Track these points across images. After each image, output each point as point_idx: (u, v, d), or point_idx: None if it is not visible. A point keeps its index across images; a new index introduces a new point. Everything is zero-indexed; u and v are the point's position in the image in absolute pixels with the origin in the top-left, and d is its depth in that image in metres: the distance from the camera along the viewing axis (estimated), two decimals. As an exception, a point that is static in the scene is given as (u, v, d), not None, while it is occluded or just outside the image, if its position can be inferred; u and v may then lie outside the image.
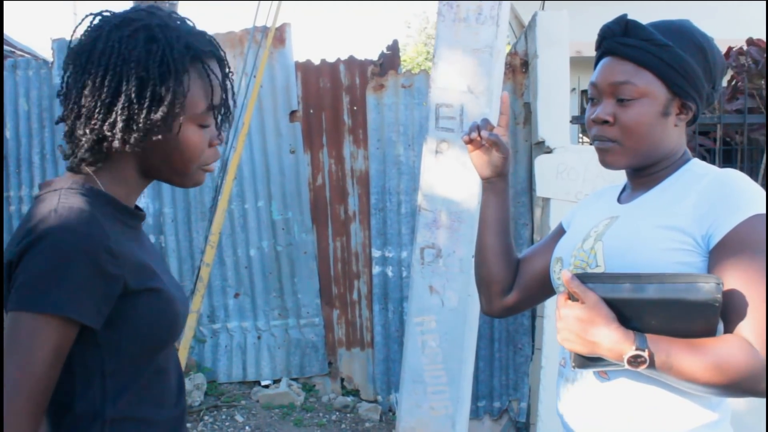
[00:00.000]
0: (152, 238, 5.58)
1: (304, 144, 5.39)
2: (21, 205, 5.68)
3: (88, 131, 1.31)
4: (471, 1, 4.09)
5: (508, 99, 1.90)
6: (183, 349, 4.77)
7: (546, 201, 4.82)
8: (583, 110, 9.54)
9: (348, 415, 5.19)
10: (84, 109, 1.30)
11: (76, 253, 1.18)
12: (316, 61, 5.41)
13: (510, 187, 1.92)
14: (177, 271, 5.51)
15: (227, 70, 1.43)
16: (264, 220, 5.43)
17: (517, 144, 5.15)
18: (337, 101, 5.36)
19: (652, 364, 1.38)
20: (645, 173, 1.65)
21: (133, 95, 1.28)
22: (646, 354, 1.37)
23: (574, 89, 5.47)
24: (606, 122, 1.60)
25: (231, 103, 1.46)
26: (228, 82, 1.42)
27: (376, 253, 5.32)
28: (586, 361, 1.48)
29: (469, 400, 4.30)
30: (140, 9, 1.36)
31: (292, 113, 5.37)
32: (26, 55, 7.54)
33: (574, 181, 4.78)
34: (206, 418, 5.05)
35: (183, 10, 6.62)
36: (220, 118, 1.44)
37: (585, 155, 4.73)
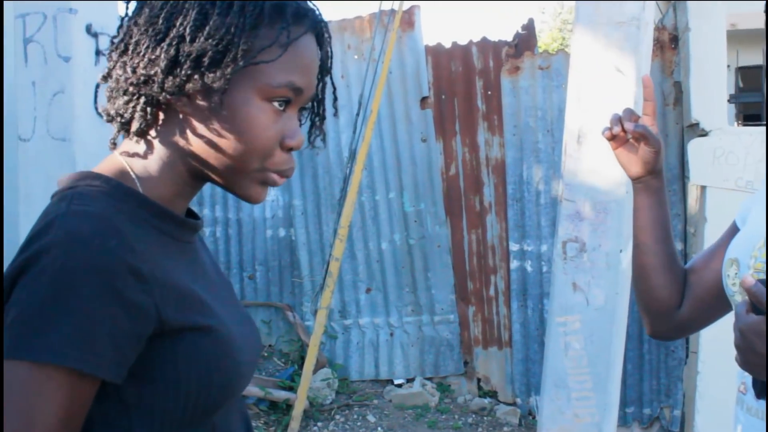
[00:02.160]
0: (282, 231, 5.49)
1: (436, 132, 5.14)
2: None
3: (129, 69, 0.98)
4: (616, -30, 3.71)
5: (652, 82, 1.56)
6: (313, 346, 4.63)
7: (701, 189, 4.39)
8: (740, 89, 8.84)
9: (485, 417, 4.92)
10: (130, 45, 0.98)
11: (84, 275, 0.84)
12: (447, 44, 5.14)
13: (666, 185, 1.59)
14: (307, 265, 5.40)
15: (329, 63, 1.08)
16: (395, 212, 5.23)
17: (667, 127, 4.72)
18: (470, 86, 5.08)
19: None
20: None
21: (187, 29, 0.95)
22: None
23: (729, 66, 4.97)
24: None
25: (323, 106, 1.11)
26: (327, 78, 1.09)
27: (513, 247, 5.01)
28: None
29: (617, 407, 3.95)
30: None
31: (423, 99, 5.14)
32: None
33: (733, 167, 4.32)
34: (337, 417, 4.89)
35: None
36: (308, 116, 1.10)
37: (746, 138, 4.28)
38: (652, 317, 1.60)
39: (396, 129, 5.19)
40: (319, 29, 1.04)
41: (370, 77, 4.68)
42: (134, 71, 0.96)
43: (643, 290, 1.60)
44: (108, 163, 1.01)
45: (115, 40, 1.01)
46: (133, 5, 1.02)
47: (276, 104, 0.98)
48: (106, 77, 1.02)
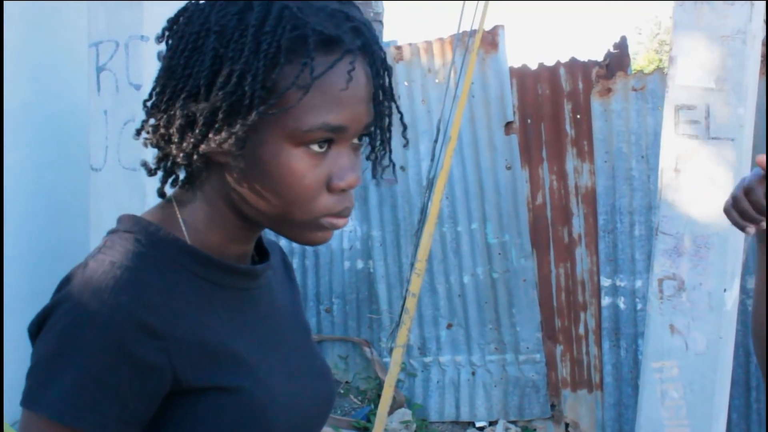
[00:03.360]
0: (360, 263, 5.29)
1: (522, 158, 4.84)
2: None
3: (151, 127, 0.92)
4: (718, -21, 3.38)
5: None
6: (388, 387, 4.37)
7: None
8: None
9: (574, 466, 4.55)
10: (155, 97, 0.91)
11: (90, 331, 0.82)
12: (533, 66, 4.85)
13: None
14: (386, 300, 5.16)
15: (386, 82, 0.94)
16: (478, 244, 4.94)
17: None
18: (557, 109, 4.77)
19: None
20: None
21: (201, 79, 0.85)
22: None
23: None
24: None
25: (386, 136, 0.97)
26: (386, 98, 0.94)
27: (605, 282, 4.65)
28: None
29: (720, 462, 3.55)
30: None
31: (508, 124, 4.85)
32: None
33: None
34: (414, 461, 4.61)
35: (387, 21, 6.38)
36: (363, 146, 0.96)
37: None
38: None
39: (479, 156, 4.91)
40: (364, 49, 0.89)
41: (450, 101, 4.43)
42: (155, 130, 0.91)
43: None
44: (158, 208, 0.97)
45: (151, 88, 0.94)
46: (166, 47, 0.93)
47: (315, 147, 0.88)
48: (139, 131, 0.95)
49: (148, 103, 0.93)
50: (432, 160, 4.38)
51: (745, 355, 4.34)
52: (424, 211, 4.45)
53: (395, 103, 0.97)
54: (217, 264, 0.95)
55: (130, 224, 0.93)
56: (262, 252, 1.08)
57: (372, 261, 5.25)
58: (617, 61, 4.66)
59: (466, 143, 4.91)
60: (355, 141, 0.93)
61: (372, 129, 0.95)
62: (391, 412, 4.81)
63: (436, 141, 4.28)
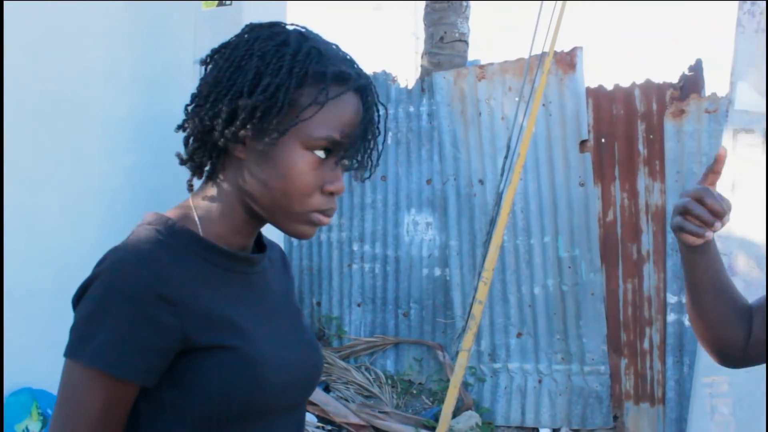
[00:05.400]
0: (437, 271, 5.53)
1: (595, 176, 4.99)
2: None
3: (197, 120, 1.15)
4: (778, 9, 3.48)
5: (725, 157, 1.43)
6: (453, 388, 4.59)
7: None
8: None
9: (633, 477, 4.66)
10: (201, 99, 1.16)
11: (118, 298, 1.04)
12: (609, 86, 4.99)
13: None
14: (460, 306, 5.37)
15: (370, 119, 1.19)
16: (550, 257, 5.11)
17: None
18: (631, 129, 4.90)
19: None
20: None
21: (245, 86, 1.11)
22: None
23: None
24: None
25: (369, 150, 1.23)
26: (370, 128, 1.20)
27: (671, 299, 4.75)
28: None
29: (770, 480, 3.61)
30: (299, 28, 1.21)
31: (582, 143, 5.01)
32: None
33: None
34: (477, 462, 4.81)
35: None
36: (346, 161, 1.19)
37: None
38: (718, 357, 1.52)
39: (554, 172, 5.08)
40: (362, 89, 1.17)
41: (521, 120, 4.63)
42: (201, 121, 1.14)
43: (705, 340, 1.51)
44: (177, 207, 1.21)
45: (193, 95, 1.20)
46: (210, 67, 1.20)
47: (318, 153, 1.13)
48: (180, 127, 1.21)
49: (189, 107, 1.18)
50: (501, 175, 4.59)
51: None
52: (492, 223, 4.66)
53: (372, 133, 1.21)
54: (221, 251, 1.18)
55: (152, 219, 1.17)
56: (261, 247, 1.32)
57: (448, 269, 5.48)
58: (691, 83, 4.76)
59: (542, 160, 5.09)
60: (345, 162, 1.17)
61: (356, 150, 1.19)
62: (459, 414, 5.02)
63: (506, 157, 4.49)
